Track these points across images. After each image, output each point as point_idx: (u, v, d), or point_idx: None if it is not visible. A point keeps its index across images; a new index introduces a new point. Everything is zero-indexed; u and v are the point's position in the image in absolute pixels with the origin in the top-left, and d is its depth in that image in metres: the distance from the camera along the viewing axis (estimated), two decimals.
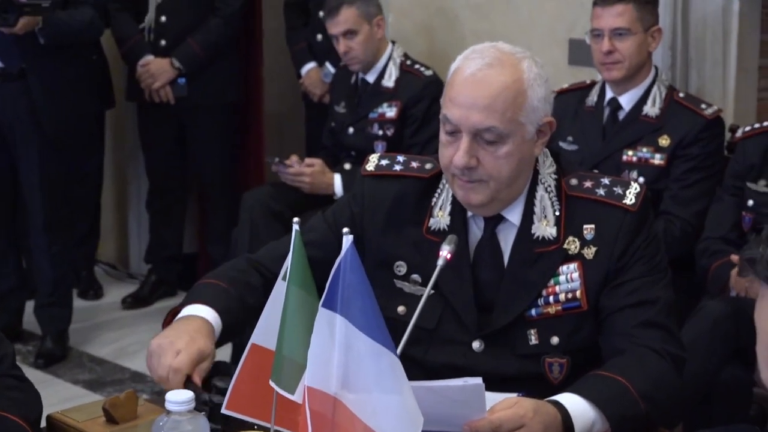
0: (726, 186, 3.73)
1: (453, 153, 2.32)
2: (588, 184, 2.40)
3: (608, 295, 2.34)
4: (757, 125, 3.74)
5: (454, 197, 2.43)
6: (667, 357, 2.29)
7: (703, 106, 3.92)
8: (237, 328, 2.41)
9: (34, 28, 4.66)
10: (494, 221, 2.40)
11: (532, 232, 2.37)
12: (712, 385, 3.26)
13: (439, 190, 2.46)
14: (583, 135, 4.02)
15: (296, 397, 1.83)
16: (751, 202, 3.63)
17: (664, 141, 3.89)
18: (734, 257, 3.55)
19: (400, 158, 2.54)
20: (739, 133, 3.79)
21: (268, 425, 1.95)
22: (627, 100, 3.97)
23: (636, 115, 3.95)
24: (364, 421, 1.70)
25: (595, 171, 3.03)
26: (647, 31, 3.90)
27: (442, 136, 2.35)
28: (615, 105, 4.00)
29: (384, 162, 2.54)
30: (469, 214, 2.42)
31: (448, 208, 2.43)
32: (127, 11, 5.47)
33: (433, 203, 2.45)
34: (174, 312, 2.37)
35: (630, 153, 3.91)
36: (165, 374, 2.19)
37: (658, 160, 3.88)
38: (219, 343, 2.36)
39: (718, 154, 3.93)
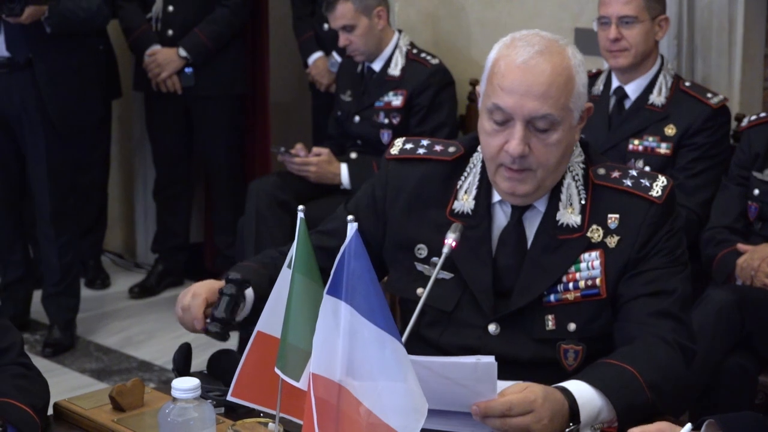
0: (731, 175, 3.73)
1: (501, 142, 2.32)
2: (615, 174, 2.41)
3: (626, 284, 2.35)
4: (762, 114, 3.74)
5: (480, 182, 2.44)
6: (677, 348, 2.30)
7: (709, 95, 3.91)
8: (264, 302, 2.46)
9: (40, 18, 4.67)
10: (522, 207, 2.41)
11: (557, 219, 2.38)
12: (718, 374, 3.27)
13: (465, 174, 2.47)
14: (588, 124, 3.99)
15: (301, 384, 1.84)
16: (756, 192, 3.63)
17: (669, 130, 3.88)
18: (740, 246, 3.55)
19: (424, 142, 2.55)
20: (744, 123, 3.79)
21: (273, 412, 1.96)
22: (633, 89, 3.97)
23: (642, 104, 3.95)
24: (369, 407, 1.71)
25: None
26: (654, 20, 3.90)
27: (488, 126, 2.34)
28: (621, 94, 4.00)
29: (408, 146, 2.55)
30: (495, 199, 2.43)
31: (474, 192, 2.44)
32: (134, 1, 5.48)
33: (458, 186, 2.46)
34: None
35: (636, 142, 3.90)
36: (186, 303, 2.34)
37: (664, 149, 3.88)
38: (249, 321, 2.40)
39: (724, 143, 3.92)
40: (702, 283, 3.66)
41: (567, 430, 2.12)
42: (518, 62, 2.30)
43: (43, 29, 4.71)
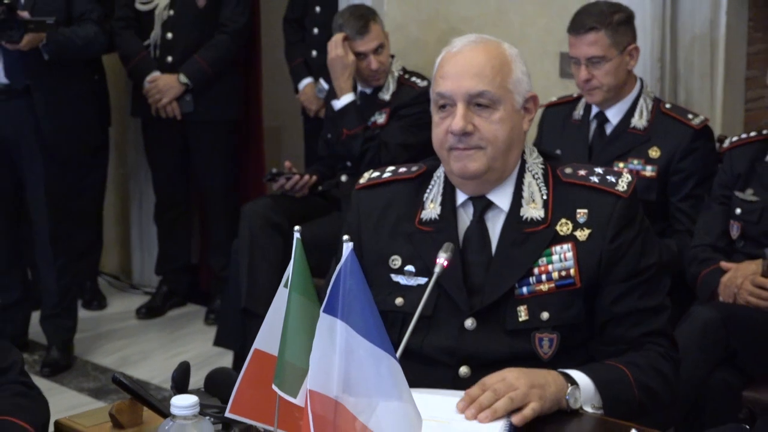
0: (714, 195, 3.77)
1: (447, 126, 2.45)
2: (582, 172, 2.52)
3: (610, 296, 2.44)
4: (744, 135, 3.79)
5: (444, 188, 2.55)
6: (670, 359, 2.43)
7: (690, 116, 3.95)
8: None
9: (38, 45, 4.73)
10: (482, 206, 2.51)
11: (521, 214, 2.48)
12: (703, 390, 3.32)
13: (431, 186, 2.58)
14: (570, 148, 4.05)
15: (298, 400, 1.86)
16: (738, 211, 3.68)
17: (654, 152, 3.93)
18: (723, 264, 3.60)
19: (389, 168, 2.68)
20: (726, 143, 3.83)
21: (271, 428, 1.98)
22: (614, 114, 4.00)
23: (624, 127, 3.98)
24: (365, 423, 1.75)
25: None
26: (624, 52, 3.91)
27: (436, 118, 2.49)
28: (602, 119, 4.03)
29: (375, 174, 2.68)
30: (459, 202, 2.53)
31: (439, 199, 2.55)
32: (131, 29, 5.53)
33: (425, 198, 2.57)
34: None
35: (621, 165, 3.93)
36: None
37: (649, 172, 3.92)
38: None
39: (713, 162, 3.94)
40: (687, 301, 3.72)
41: (569, 389, 2.24)
42: (454, 51, 2.48)
43: (40, 57, 4.77)
